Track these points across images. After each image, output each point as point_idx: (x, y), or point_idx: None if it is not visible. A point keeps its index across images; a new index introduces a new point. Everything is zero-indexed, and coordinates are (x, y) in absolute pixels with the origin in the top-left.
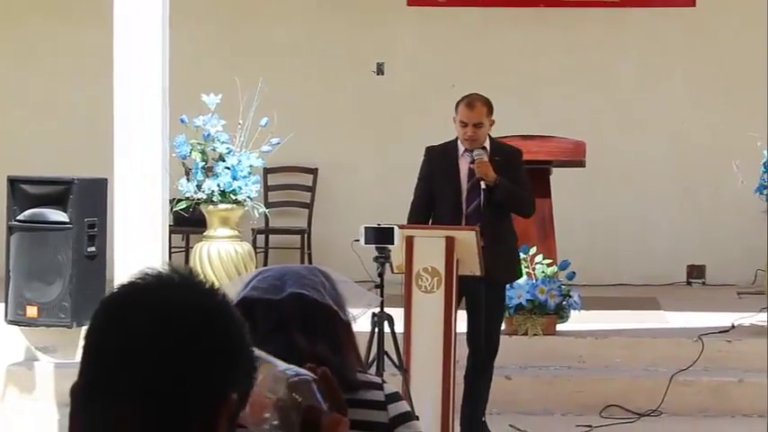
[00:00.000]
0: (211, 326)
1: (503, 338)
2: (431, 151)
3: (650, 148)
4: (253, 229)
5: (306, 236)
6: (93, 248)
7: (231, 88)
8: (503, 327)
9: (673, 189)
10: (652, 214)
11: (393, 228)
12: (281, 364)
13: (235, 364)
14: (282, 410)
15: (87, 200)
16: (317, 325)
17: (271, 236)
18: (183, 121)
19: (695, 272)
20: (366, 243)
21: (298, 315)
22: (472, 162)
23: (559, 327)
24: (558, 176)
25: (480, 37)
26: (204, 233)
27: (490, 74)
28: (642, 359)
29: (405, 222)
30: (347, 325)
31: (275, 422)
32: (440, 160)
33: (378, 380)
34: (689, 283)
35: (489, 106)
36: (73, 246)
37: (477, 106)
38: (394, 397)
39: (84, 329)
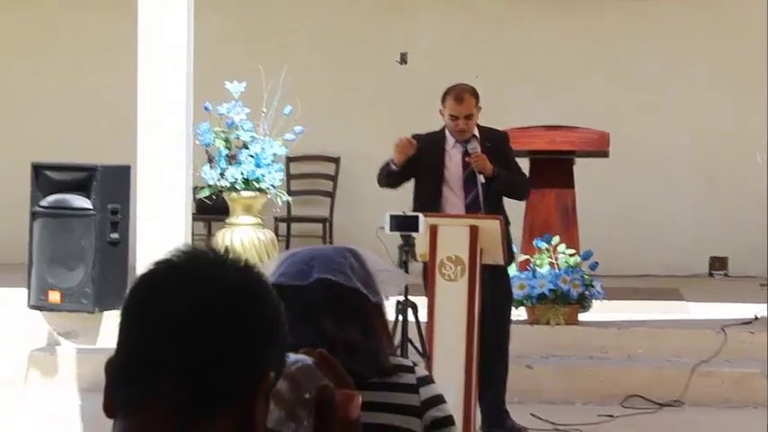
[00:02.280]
0: (248, 303)
1: (525, 328)
2: (417, 139)
3: (673, 139)
4: (275, 218)
5: (328, 224)
6: (116, 235)
7: (255, 76)
8: (525, 316)
9: (695, 180)
10: (674, 205)
11: (418, 216)
12: None
13: (271, 341)
14: (285, 401)
15: (111, 186)
16: (347, 310)
17: (293, 224)
18: (206, 108)
19: (717, 263)
20: (391, 231)
21: (325, 301)
22: (467, 155)
23: (581, 317)
24: (580, 167)
25: (503, 27)
26: (227, 220)
27: (513, 64)
28: (664, 350)
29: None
30: (377, 307)
31: (280, 418)
32: (426, 149)
33: (410, 363)
34: (711, 275)
35: (477, 96)
36: (96, 232)
37: (466, 98)
38: (425, 380)
39: (105, 314)
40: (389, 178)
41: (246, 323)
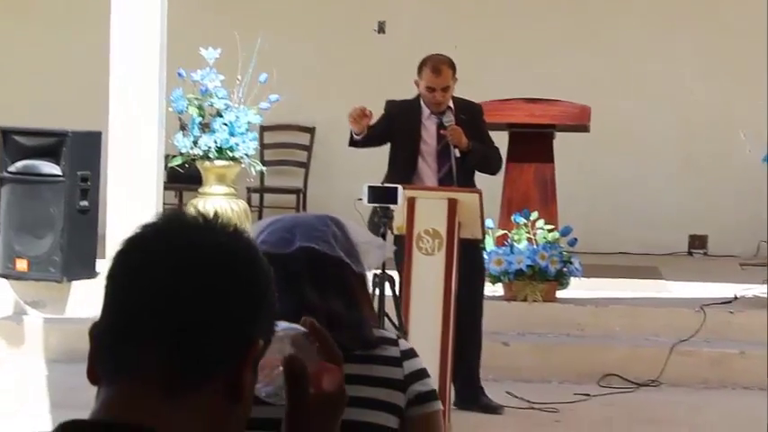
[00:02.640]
0: (237, 268)
1: (502, 304)
2: (392, 105)
3: (654, 116)
4: (248, 188)
5: (301, 195)
6: (85, 202)
7: (230, 44)
8: (501, 292)
9: (676, 157)
10: (654, 182)
11: (397, 187)
12: None
13: (261, 308)
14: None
15: (81, 153)
16: (329, 280)
17: (266, 195)
18: (180, 75)
19: (697, 242)
20: (369, 202)
21: (307, 270)
22: (441, 127)
23: (559, 294)
24: (559, 141)
25: None
26: (199, 190)
27: (493, 35)
28: (642, 328)
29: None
30: (360, 278)
31: (268, 387)
32: (401, 117)
33: (393, 336)
34: (690, 254)
35: (454, 68)
36: (65, 199)
37: (443, 70)
38: (409, 353)
39: (74, 284)
40: (356, 145)
41: (235, 289)
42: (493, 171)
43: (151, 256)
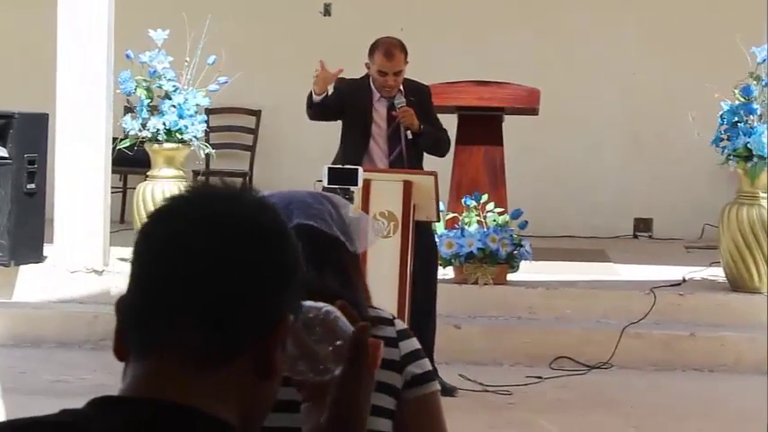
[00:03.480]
0: (268, 240)
1: (453, 287)
2: (342, 83)
3: (600, 98)
4: (194, 171)
5: (248, 179)
6: (32, 185)
7: (178, 25)
8: (452, 275)
9: (622, 140)
10: (600, 165)
11: (357, 169)
12: None
13: (291, 283)
14: (303, 346)
15: (28, 135)
16: (325, 257)
17: (212, 178)
18: (128, 56)
19: (642, 225)
20: (329, 184)
21: (305, 247)
22: (392, 109)
23: (510, 277)
24: (506, 123)
25: None
26: (148, 173)
27: (439, 17)
28: (593, 311)
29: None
30: (355, 257)
31: (299, 362)
32: (352, 96)
33: (389, 315)
34: (635, 236)
35: (406, 51)
36: (12, 182)
37: (396, 54)
38: (405, 334)
39: (21, 268)
40: (313, 110)
41: (267, 262)
42: (442, 153)
43: (180, 229)
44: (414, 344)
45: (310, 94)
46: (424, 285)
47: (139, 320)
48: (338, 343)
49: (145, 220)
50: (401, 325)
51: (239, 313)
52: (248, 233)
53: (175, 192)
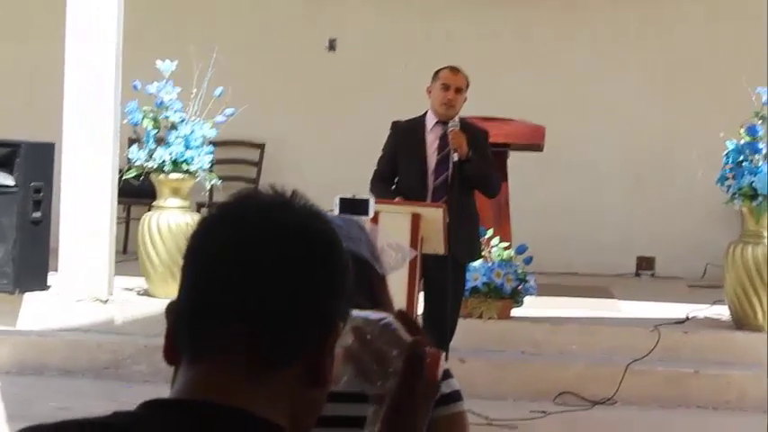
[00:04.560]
0: (320, 248)
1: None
2: (397, 126)
3: (603, 137)
4: (198, 203)
5: None
6: (38, 214)
7: (185, 57)
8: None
9: (624, 179)
10: (603, 203)
11: (368, 199)
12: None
13: (342, 290)
14: (354, 358)
15: (34, 164)
16: (357, 279)
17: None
18: (135, 87)
19: (644, 263)
20: (340, 214)
21: None
22: (444, 137)
23: (514, 312)
24: (509, 160)
25: (435, 17)
26: (154, 203)
27: (444, 55)
28: (598, 347)
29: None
30: (383, 279)
31: (351, 374)
32: (405, 135)
33: None
34: (638, 275)
35: (468, 81)
36: (18, 210)
37: (460, 73)
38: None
39: (26, 296)
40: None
41: (318, 269)
42: (491, 192)
43: (232, 235)
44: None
45: (379, 173)
46: (445, 321)
47: (192, 325)
48: (395, 353)
49: (196, 225)
50: None
51: (292, 319)
52: (300, 239)
53: (225, 199)
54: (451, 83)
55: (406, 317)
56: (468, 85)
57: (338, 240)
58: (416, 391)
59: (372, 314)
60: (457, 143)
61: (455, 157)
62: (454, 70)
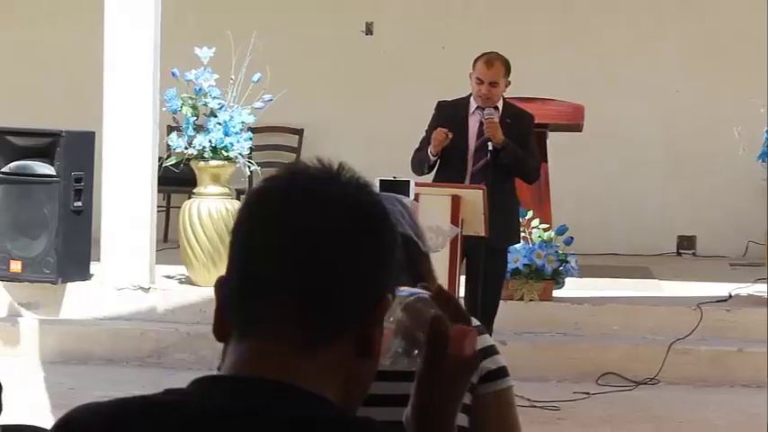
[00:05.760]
0: (368, 220)
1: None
2: (441, 107)
3: (641, 115)
4: (237, 190)
5: None
6: (79, 203)
7: (223, 43)
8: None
9: (663, 158)
10: (642, 182)
11: (409, 181)
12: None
13: (390, 263)
14: (406, 332)
15: (75, 153)
16: (399, 256)
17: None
18: (174, 74)
19: (686, 242)
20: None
21: None
22: (483, 119)
23: (555, 293)
24: (548, 140)
25: None
26: (194, 190)
27: (480, 36)
28: (640, 327)
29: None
30: (426, 256)
31: (399, 349)
32: (449, 116)
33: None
34: (679, 254)
35: (507, 67)
36: (59, 200)
37: (495, 65)
38: (478, 330)
39: (68, 285)
40: (426, 167)
41: (366, 242)
42: (529, 177)
43: (280, 210)
44: (488, 340)
45: (422, 151)
46: (485, 305)
47: (241, 301)
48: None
49: (243, 201)
50: (475, 321)
51: (341, 292)
52: (348, 212)
53: (273, 174)
54: (485, 78)
55: (443, 293)
56: (508, 72)
57: (385, 212)
58: (440, 367)
59: (409, 290)
60: (491, 132)
61: (490, 145)
62: (489, 62)
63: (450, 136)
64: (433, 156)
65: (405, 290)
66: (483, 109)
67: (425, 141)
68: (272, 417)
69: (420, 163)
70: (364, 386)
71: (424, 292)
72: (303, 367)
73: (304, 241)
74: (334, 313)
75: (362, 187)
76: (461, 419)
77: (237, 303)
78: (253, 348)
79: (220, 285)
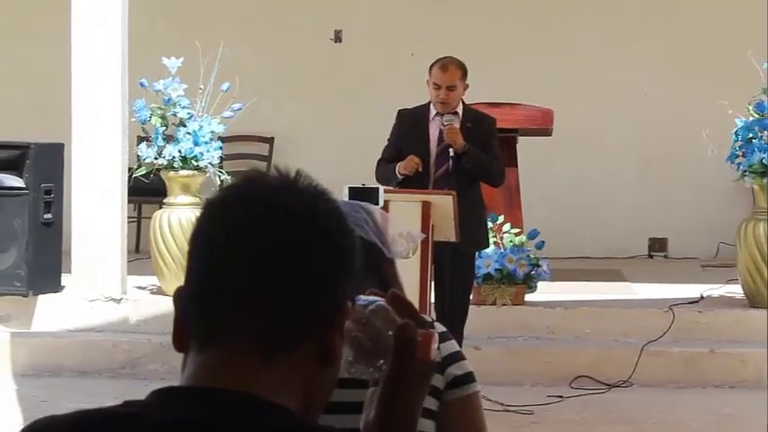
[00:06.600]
0: (326, 227)
1: (471, 309)
2: (402, 114)
3: (611, 119)
4: (207, 199)
5: None
6: (49, 215)
7: (191, 53)
8: (471, 297)
9: (634, 160)
10: (613, 185)
11: (378, 188)
12: None
13: (349, 269)
14: (364, 340)
15: (44, 165)
16: (365, 263)
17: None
18: (142, 84)
19: (657, 245)
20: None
21: None
22: (442, 126)
23: (528, 297)
24: (518, 145)
25: (440, 4)
26: (164, 201)
27: (449, 42)
28: (612, 330)
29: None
30: (391, 263)
31: (350, 358)
32: (410, 123)
33: (429, 318)
34: (650, 256)
35: (464, 70)
36: (29, 212)
37: (450, 69)
38: (445, 336)
39: (39, 298)
40: (394, 183)
41: (325, 249)
42: (492, 180)
43: (237, 218)
44: (454, 346)
45: (389, 168)
46: (454, 309)
47: (200, 311)
48: (391, 334)
49: (200, 210)
50: (440, 327)
51: (298, 301)
52: (305, 219)
53: (230, 182)
54: (442, 82)
55: (399, 299)
56: (464, 75)
57: (343, 218)
58: (408, 372)
59: (366, 298)
60: (451, 138)
61: (451, 151)
62: (444, 67)
63: (421, 169)
64: (401, 176)
65: (362, 298)
66: (443, 115)
67: (388, 151)
68: (230, 428)
69: (387, 179)
70: (325, 394)
71: (381, 299)
72: (262, 377)
73: (260, 250)
74: (292, 321)
75: (320, 195)
76: (428, 426)
77: (196, 313)
78: (211, 358)
79: (179, 295)
